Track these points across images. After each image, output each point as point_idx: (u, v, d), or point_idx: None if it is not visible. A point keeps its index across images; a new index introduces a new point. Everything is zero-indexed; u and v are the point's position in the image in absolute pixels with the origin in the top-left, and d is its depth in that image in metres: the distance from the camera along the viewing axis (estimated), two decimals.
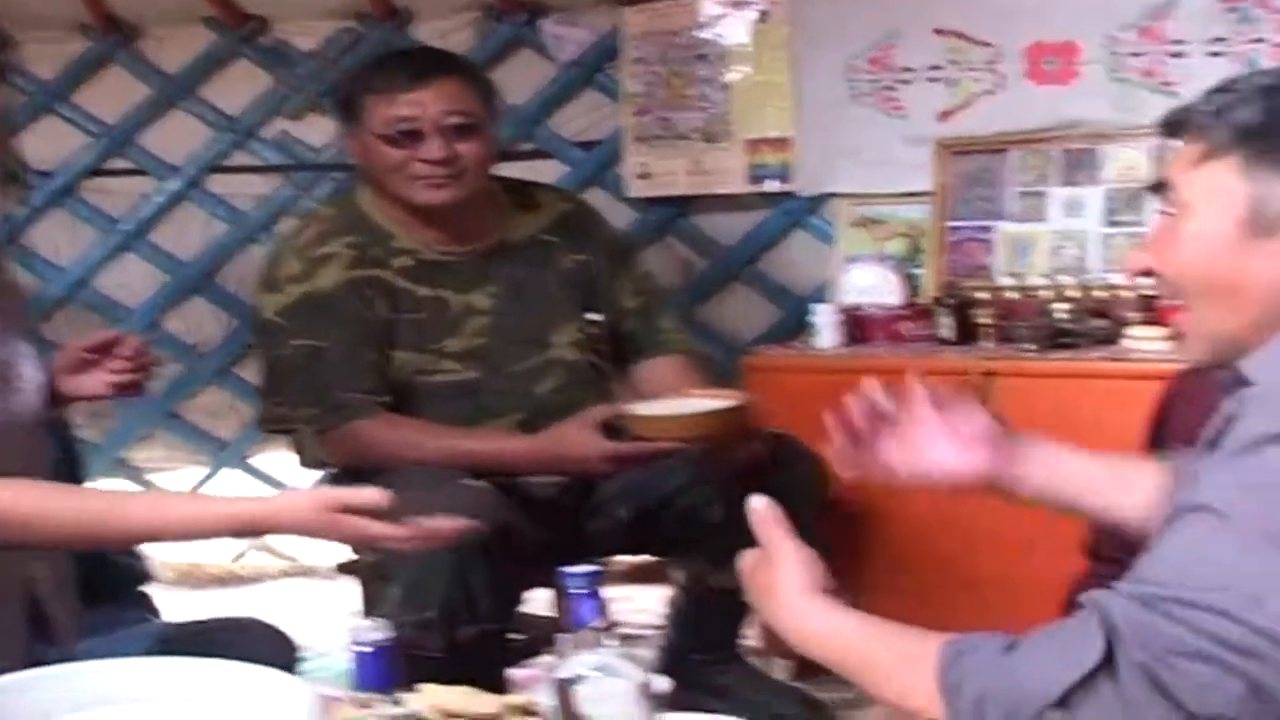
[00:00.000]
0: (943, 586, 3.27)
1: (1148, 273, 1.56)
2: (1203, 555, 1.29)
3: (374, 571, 2.77)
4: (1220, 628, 1.24)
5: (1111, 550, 2.27)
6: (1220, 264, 1.44)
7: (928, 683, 1.39)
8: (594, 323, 3.09)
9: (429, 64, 2.95)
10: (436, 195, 2.91)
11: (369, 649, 1.84)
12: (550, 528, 2.87)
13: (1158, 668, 1.26)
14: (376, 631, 1.84)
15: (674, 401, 2.88)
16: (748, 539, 2.80)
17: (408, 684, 1.88)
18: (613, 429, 2.81)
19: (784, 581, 1.59)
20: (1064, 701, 1.29)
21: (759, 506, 1.65)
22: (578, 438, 2.81)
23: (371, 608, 2.78)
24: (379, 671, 1.84)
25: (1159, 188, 1.54)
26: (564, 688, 1.61)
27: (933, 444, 1.82)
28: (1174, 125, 1.52)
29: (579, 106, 4.47)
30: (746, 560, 1.65)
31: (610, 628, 1.65)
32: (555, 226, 3.12)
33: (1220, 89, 1.48)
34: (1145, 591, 1.29)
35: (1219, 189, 1.44)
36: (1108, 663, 1.28)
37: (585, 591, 1.69)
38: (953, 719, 1.36)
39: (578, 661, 1.63)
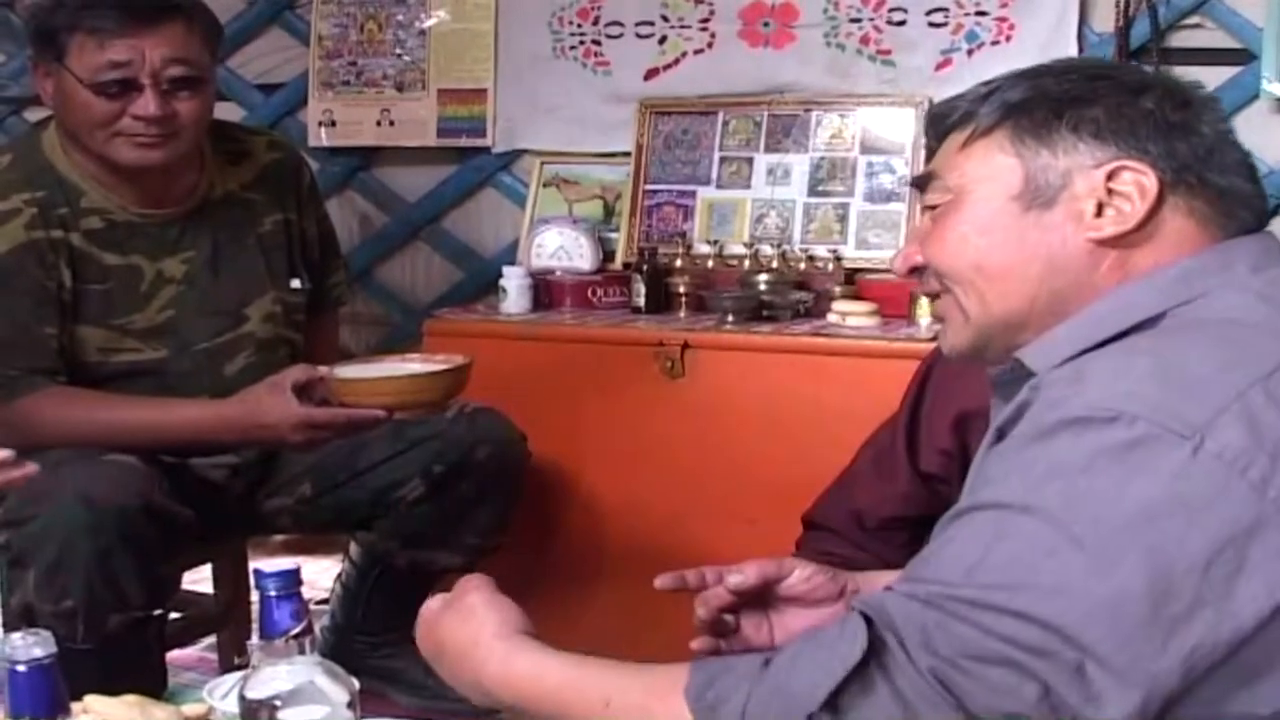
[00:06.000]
0: (660, 563, 3.13)
1: (916, 269, 1.50)
2: (990, 553, 1.21)
3: (6, 553, 2.47)
4: (1014, 630, 1.18)
5: (825, 519, 2.30)
6: (997, 244, 1.40)
7: (678, 710, 1.28)
8: (296, 290, 2.81)
9: (152, 2, 2.53)
10: (146, 156, 2.54)
11: (23, 667, 1.50)
12: (217, 508, 2.66)
13: (949, 671, 1.19)
14: (34, 646, 1.50)
15: (382, 364, 2.68)
16: (443, 514, 2.57)
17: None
18: (310, 393, 2.55)
19: (480, 625, 1.48)
20: (832, 704, 1.22)
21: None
22: (270, 402, 2.53)
23: (10, 593, 2.47)
24: (36, 693, 1.52)
25: (923, 182, 1.49)
26: (257, 709, 1.41)
27: (793, 619, 1.69)
28: (939, 117, 1.48)
29: (263, 46, 4.23)
30: (429, 607, 1.58)
31: (309, 634, 1.43)
32: (259, 181, 2.80)
33: (984, 83, 1.46)
34: (929, 591, 1.23)
35: (991, 167, 1.41)
36: (879, 663, 1.22)
37: (284, 594, 1.43)
38: None
39: (272, 676, 1.42)
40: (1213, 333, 1.28)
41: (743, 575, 1.64)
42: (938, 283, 1.47)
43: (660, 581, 1.67)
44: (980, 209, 1.41)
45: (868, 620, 1.24)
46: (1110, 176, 1.35)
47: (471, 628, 1.48)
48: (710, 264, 3.51)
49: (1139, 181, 1.35)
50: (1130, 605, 1.15)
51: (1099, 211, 1.36)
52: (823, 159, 3.55)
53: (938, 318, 1.51)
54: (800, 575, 1.66)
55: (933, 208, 1.47)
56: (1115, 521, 1.17)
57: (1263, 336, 1.27)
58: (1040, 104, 1.39)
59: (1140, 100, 1.37)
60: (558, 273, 3.57)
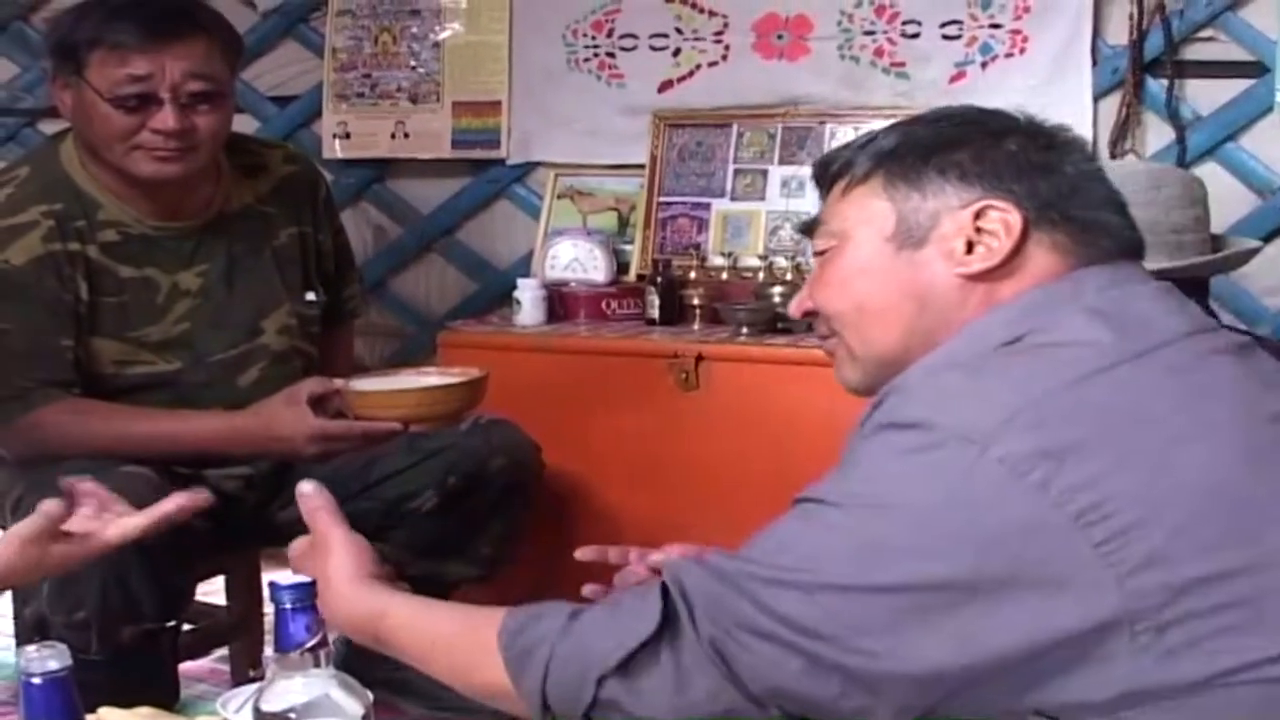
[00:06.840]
0: None
1: (810, 313, 1.59)
2: (798, 539, 1.31)
3: None
4: (789, 607, 1.26)
5: None
6: (875, 284, 1.48)
7: (494, 655, 1.40)
8: (311, 303, 2.81)
9: (172, 18, 2.53)
10: (164, 169, 2.54)
11: (39, 680, 1.50)
12: (230, 519, 2.64)
13: (724, 640, 1.29)
14: (50, 659, 1.50)
15: (396, 377, 2.68)
16: (457, 526, 2.58)
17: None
18: (325, 406, 2.56)
19: (334, 569, 1.59)
20: (624, 668, 1.32)
21: (308, 491, 1.67)
22: (285, 414, 2.54)
23: (23, 604, 2.47)
24: (51, 706, 1.52)
25: (810, 229, 1.58)
26: None
27: None
28: (823, 167, 1.57)
29: (277, 58, 4.23)
30: (295, 547, 1.67)
31: (324, 646, 1.43)
32: (275, 194, 2.80)
33: (866, 133, 1.56)
34: (726, 566, 1.32)
35: (867, 211, 1.48)
36: (669, 632, 1.31)
37: (299, 607, 1.43)
38: (520, 689, 1.38)
39: (287, 689, 1.41)
40: (1036, 353, 1.34)
41: (665, 556, 1.74)
42: (827, 327, 1.55)
43: (580, 553, 1.86)
44: (860, 251, 1.48)
45: (665, 592, 1.33)
46: (978, 215, 1.42)
47: (327, 571, 1.58)
48: (724, 276, 3.51)
49: (1004, 219, 1.41)
50: (905, 596, 1.24)
51: (969, 249, 1.42)
52: None
53: (829, 353, 1.58)
54: None
55: (821, 253, 1.54)
56: (903, 520, 1.26)
57: (1078, 350, 1.32)
58: (911, 150, 1.47)
59: (1004, 143, 1.45)
60: (572, 285, 3.57)
